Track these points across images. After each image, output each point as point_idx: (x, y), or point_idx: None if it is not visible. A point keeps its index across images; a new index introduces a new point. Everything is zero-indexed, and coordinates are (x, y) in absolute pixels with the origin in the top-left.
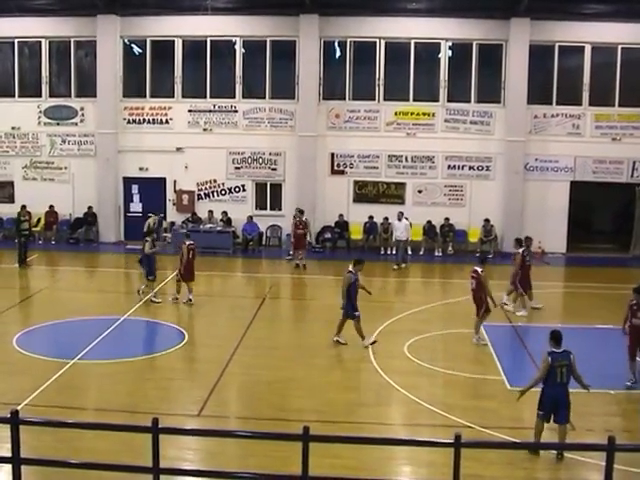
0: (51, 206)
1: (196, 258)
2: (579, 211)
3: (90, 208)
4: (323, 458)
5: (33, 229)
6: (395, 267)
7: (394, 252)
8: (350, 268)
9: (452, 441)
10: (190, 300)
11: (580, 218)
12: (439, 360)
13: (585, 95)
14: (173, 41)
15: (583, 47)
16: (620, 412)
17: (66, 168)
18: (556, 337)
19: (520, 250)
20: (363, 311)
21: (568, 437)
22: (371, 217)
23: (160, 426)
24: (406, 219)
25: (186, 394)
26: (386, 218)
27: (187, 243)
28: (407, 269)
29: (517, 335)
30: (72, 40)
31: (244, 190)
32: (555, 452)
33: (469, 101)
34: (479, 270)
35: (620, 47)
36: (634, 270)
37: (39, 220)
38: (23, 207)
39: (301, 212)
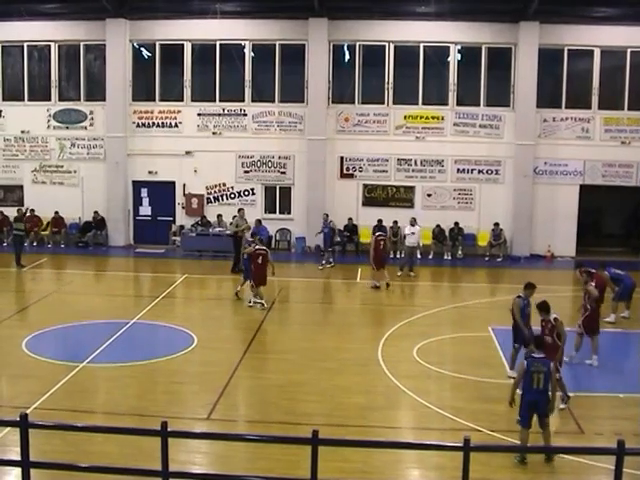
0: (56, 212)
1: (268, 263)
2: (588, 215)
3: (97, 213)
4: (332, 462)
5: (42, 233)
6: (400, 273)
7: (402, 256)
8: (520, 293)
9: (461, 445)
10: (253, 304)
11: (589, 222)
12: (448, 363)
13: (594, 99)
14: (182, 45)
15: (592, 51)
16: (629, 415)
17: (75, 172)
18: (538, 343)
19: None
20: (372, 315)
21: (578, 441)
22: (380, 220)
23: (169, 429)
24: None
25: (195, 397)
26: (395, 222)
27: (255, 247)
28: (416, 276)
29: None
30: (81, 44)
31: (253, 194)
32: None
33: (478, 105)
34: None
35: (629, 50)
36: None
37: (48, 224)
38: (19, 210)
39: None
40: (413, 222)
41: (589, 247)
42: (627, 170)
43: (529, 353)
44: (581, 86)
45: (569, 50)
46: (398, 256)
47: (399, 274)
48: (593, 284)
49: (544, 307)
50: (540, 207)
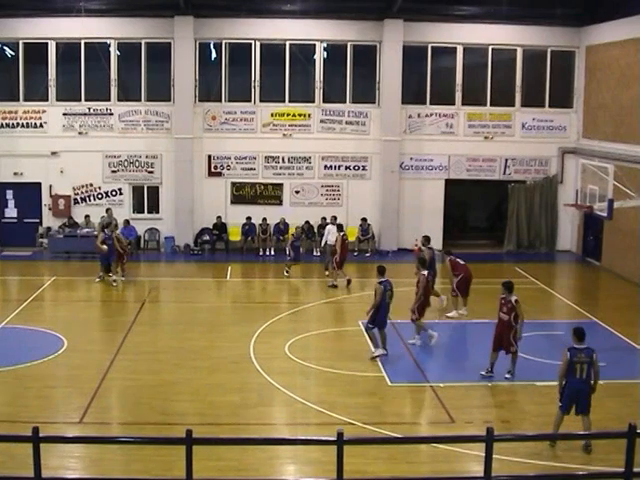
0: None
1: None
2: (454, 208)
3: None
4: (207, 461)
5: None
6: (327, 273)
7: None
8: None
9: (334, 438)
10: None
11: (455, 215)
12: (320, 359)
13: (458, 95)
14: (47, 43)
15: (455, 48)
16: (498, 403)
17: None
18: (578, 334)
19: None
20: (243, 313)
21: (450, 430)
22: (249, 218)
23: (41, 435)
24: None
25: (67, 401)
26: (264, 219)
27: (341, 234)
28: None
29: (396, 331)
30: None
31: (121, 194)
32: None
33: (344, 102)
34: None
35: (491, 48)
36: (508, 265)
37: None
38: None
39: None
40: (333, 221)
41: (455, 240)
42: (490, 164)
43: (571, 344)
44: (445, 83)
45: (433, 47)
46: (268, 253)
47: (327, 274)
48: (425, 273)
49: (508, 286)
50: (407, 202)
